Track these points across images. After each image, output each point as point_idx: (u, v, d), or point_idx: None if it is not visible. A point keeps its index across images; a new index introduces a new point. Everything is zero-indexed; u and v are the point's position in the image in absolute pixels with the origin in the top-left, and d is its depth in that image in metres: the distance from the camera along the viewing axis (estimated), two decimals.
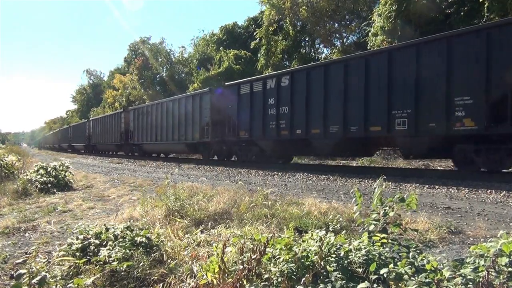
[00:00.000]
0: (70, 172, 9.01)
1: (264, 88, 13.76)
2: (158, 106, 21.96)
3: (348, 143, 11.23)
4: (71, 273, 2.77)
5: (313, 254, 2.36)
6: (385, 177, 3.40)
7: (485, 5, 12.66)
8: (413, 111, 9.25)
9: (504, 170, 8.72)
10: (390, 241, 2.62)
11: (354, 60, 10.89)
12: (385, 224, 2.87)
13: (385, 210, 2.91)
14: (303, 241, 2.61)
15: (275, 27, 26.57)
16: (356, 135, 10.59)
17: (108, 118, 30.61)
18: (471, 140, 8.67)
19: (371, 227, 2.87)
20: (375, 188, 3.07)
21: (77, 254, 2.95)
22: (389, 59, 9.86)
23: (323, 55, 27.32)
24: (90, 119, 38.44)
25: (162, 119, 21.11)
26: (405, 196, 2.89)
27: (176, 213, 4.36)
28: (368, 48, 17.02)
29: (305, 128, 12.07)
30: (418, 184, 7.88)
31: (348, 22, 24.45)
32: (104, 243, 3.03)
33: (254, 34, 28.35)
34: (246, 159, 15.76)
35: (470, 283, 1.98)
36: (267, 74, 14.79)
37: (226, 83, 17.10)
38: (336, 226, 3.80)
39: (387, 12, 15.64)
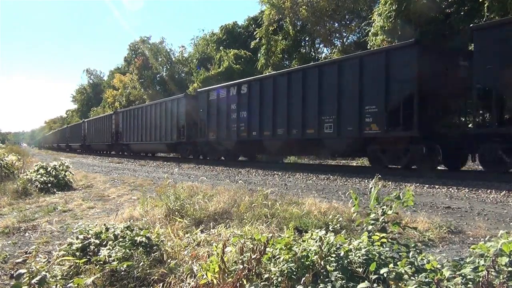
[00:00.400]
0: (70, 172, 9.01)
1: (228, 95, 15.54)
2: (143, 109, 24.09)
3: (292, 143, 13.04)
4: (71, 272, 2.76)
5: (313, 254, 2.35)
6: (379, 176, 3.42)
7: (485, 5, 12.64)
8: (337, 117, 10.87)
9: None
10: (389, 240, 2.62)
11: (295, 73, 12.72)
12: (384, 223, 2.87)
13: (383, 209, 2.91)
14: (303, 241, 2.60)
15: (275, 27, 26.50)
16: (297, 136, 12.30)
17: (101, 120, 32.69)
18: (377, 142, 10.36)
19: (370, 227, 2.87)
20: (371, 188, 3.07)
21: (77, 254, 2.95)
22: (319, 73, 11.52)
23: (323, 55, 27.31)
24: (85, 120, 39.70)
25: (146, 121, 23.11)
26: (401, 194, 2.89)
27: (176, 213, 4.36)
28: (368, 47, 17.00)
29: (259, 131, 13.79)
30: (418, 184, 7.88)
31: (348, 22, 24.41)
32: (104, 243, 3.03)
33: (254, 33, 28.28)
34: (215, 158, 17.81)
35: (470, 283, 1.98)
36: (231, 82, 16.54)
37: (198, 89, 19.37)
38: (336, 226, 3.80)
39: (387, 12, 15.61)
